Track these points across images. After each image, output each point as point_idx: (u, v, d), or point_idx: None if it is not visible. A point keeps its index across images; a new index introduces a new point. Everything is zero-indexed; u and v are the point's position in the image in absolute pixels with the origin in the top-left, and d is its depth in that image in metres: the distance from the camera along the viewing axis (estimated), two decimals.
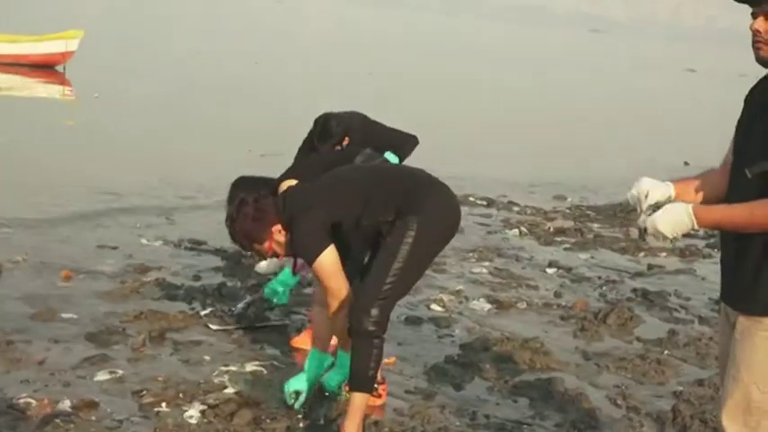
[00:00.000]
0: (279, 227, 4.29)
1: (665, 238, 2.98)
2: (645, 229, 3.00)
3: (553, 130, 19.78)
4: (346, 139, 5.89)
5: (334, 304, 4.23)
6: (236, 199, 5.77)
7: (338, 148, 5.88)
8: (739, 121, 3.06)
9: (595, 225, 10.22)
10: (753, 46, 2.92)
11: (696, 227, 2.94)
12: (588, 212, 10.96)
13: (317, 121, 5.96)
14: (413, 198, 4.23)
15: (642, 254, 8.91)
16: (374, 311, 4.10)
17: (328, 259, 4.15)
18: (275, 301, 5.73)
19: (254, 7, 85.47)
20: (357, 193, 4.30)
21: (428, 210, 4.22)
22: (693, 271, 8.43)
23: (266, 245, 4.33)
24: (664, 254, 8.99)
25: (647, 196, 3.07)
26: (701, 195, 3.16)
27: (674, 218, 2.94)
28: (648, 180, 3.12)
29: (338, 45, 41.66)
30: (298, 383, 4.61)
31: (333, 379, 4.73)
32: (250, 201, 4.32)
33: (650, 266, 8.42)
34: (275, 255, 4.43)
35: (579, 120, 22.63)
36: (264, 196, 4.39)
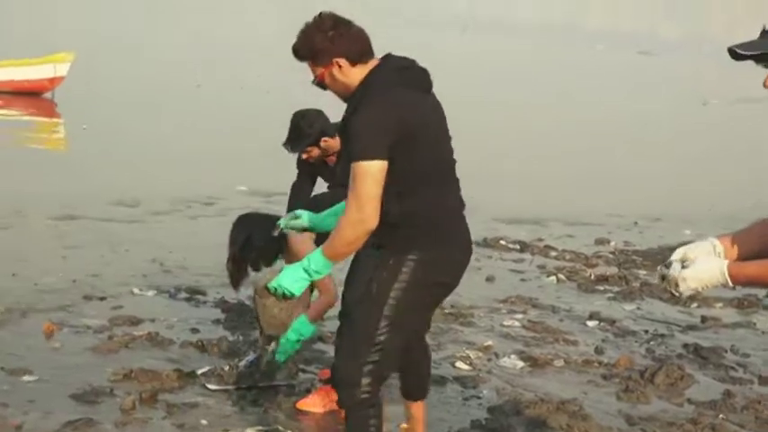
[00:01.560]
0: (344, 62, 4.05)
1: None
2: (676, 284, 3.03)
3: (604, 161, 19.64)
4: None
5: (354, 214, 3.85)
6: (239, 239, 5.81)
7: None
8: None
9: (642, 272, 10.18)
10: None
11: (731, 285, 2.96)
12: (634, 258, 10.91)
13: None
14: (428, 220, 4.08)
15: (695, 305, 8.87)
16: (365, 381, 3.93)
17: (374, 168, 3.85)
18: (285, 354, 5.47)
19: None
20: (438, 137, 4.17)
21: (441, 244, 4.10)
22: (753, 324, 8.38)
23: (321, 69, 4.09)
24: (719, 305, 8.95)
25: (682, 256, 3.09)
26: (745, 249, 3.17)
27: (706, 275, 2.96)
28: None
29: None
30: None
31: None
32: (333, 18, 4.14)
33: (704, 319, 8.38)
34: (321, 86, 4.19)
35: (648, 154, 22.36)
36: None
